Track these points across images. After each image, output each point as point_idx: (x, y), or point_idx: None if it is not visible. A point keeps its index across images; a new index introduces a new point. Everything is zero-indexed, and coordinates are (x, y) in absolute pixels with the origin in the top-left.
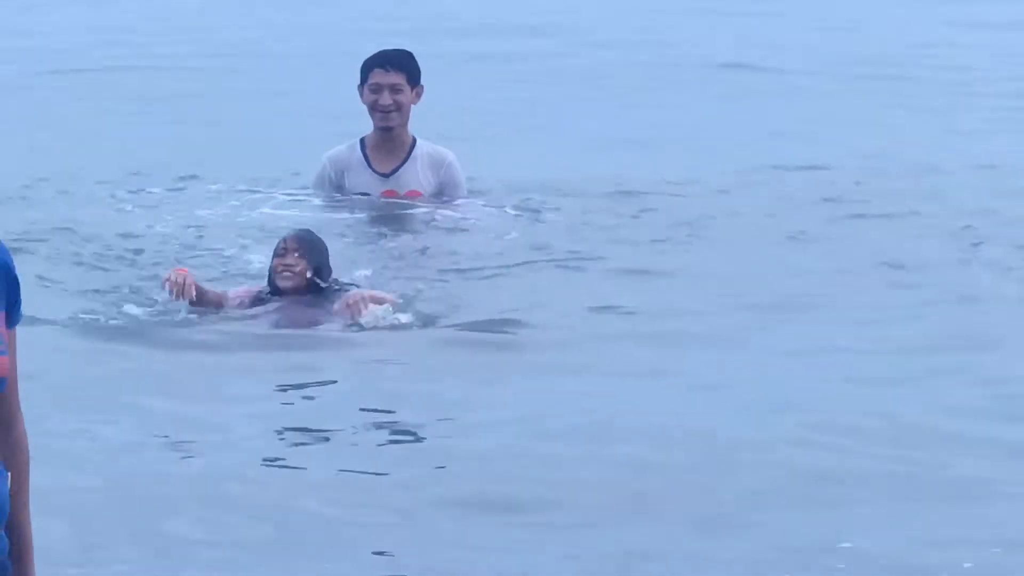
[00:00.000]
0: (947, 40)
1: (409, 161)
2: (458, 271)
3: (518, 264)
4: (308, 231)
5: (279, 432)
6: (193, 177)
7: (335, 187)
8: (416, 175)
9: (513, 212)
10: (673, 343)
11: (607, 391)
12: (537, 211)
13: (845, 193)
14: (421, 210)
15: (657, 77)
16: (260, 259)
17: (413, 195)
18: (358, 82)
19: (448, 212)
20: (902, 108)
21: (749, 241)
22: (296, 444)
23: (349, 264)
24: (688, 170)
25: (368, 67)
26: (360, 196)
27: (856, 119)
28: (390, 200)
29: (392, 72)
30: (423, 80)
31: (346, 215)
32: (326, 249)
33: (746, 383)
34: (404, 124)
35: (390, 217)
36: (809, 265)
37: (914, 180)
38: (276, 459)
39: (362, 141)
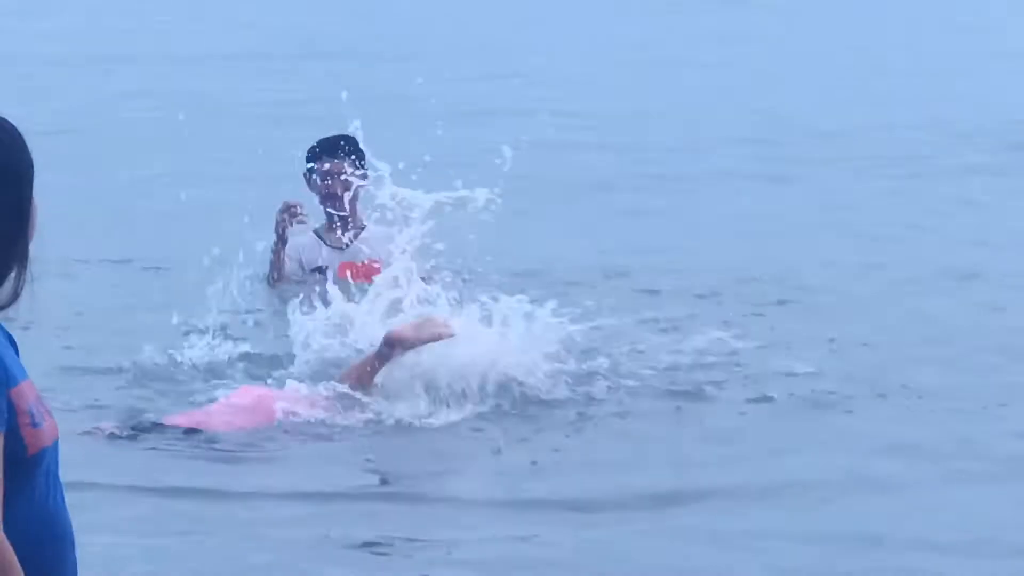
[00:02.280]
0: None
1: (364, 234)
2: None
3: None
4: None
5: None
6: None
7: (298, 264)
8: (373, 246)
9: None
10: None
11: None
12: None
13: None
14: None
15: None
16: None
17: (374, 264)
18: (304, 170)
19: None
20: None
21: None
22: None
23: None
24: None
25: (313, 155)
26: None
27: None
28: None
29: (336, 159)
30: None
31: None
32: None
33: None
34: (353, 209)
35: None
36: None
37: None
38: None
39: (315, 230)
